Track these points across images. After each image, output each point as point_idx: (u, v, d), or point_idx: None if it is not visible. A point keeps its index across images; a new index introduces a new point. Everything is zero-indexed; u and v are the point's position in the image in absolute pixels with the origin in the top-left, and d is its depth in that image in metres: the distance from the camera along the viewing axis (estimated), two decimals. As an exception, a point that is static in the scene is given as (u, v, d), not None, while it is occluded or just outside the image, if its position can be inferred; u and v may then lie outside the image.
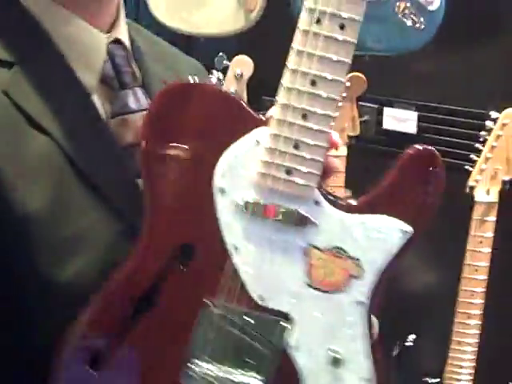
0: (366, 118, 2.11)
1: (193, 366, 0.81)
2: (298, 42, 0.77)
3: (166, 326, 0.82)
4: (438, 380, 1.84)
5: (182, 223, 0.82)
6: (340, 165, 1.84)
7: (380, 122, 2.11)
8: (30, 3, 0.86)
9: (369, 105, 2.10)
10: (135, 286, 0.81)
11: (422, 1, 1.67)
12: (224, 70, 1.92)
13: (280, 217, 0.79)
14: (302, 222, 0.79)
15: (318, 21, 0.76)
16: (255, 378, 0.81)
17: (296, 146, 0.77)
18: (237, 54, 1.92)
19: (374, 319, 0.85)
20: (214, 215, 0.80)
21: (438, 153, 0.83)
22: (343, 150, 1.86)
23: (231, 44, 2.10)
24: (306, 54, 0.77)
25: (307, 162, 0.78)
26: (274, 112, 0.78)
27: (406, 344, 1.87)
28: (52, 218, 0.80)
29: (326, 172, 0.84)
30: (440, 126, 2.04)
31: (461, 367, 1.78)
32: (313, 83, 0.76)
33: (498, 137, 1.60)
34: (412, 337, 1.87)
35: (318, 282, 0.81)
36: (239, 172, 0.79)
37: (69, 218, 0.82)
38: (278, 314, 0.81)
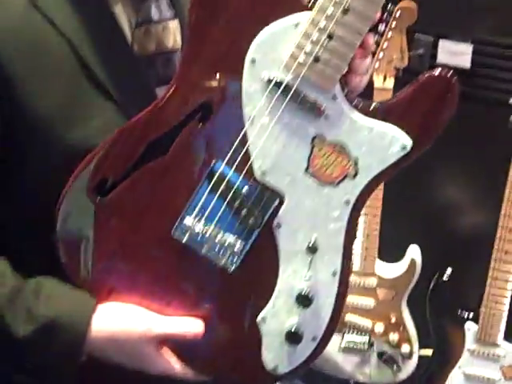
0: (420, 51, 2.09)
1: (185, 222, 0.87)
2: None
3: (169, 178, 0.87)
4: (473, 313, 1.86)
5: (210, 81, 0.86)
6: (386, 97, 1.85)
7: (434, 56, 2.07)
8: None
9: (424, 37, 2.07)
10: (153, 127, 0.86)
11: None
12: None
13: (298, 101, 0.83)
14: (315, 111, 0.84)
15: None
16: (238, 243, 0.87)
17: (330, 37, 0.81)
18: None
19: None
20: (239, 82, 0.84)
21: (456, 80, 0.85)
22: (390, 82, 1.86)
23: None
24: None
25: (336, 54, 0.82)
26: (318, 2, 0.81)
27: (443, 277, 1.88)
28: (63, 117, 0.86)
29: (353, 73, 0.90)
30: (496, 60, 1.99)
31: (496, 302, 1.79)
32: None
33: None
34: (449, 270, 1.88)
35: (316, 170, 0.86)
36: (273, 49, 0.83)
37: (79, 118, 0.87)
38: (273, 190, 0.86)
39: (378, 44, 1.85)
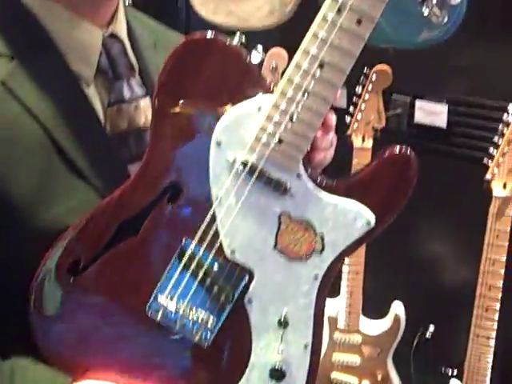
0: (398, 111, 2.14)
1: (159, 300, 0.89)
2: (315, 26, 0.83)
3: (141, 257, 0.90)
4: (457, 371, 1.87)
5: (177, 164, 0.89)
6: (365, 157, 1.89)
7: (412, 116, 2.12)
8: (31, 2, 0.93)
9: (401, 97, 2.13)
10: (123, 210, 0.89)
11: (444, -5, 1.68)
12: (260, 63, 1.98)
13: (263, 181, 0.86)
14: (281, 189, 0.87)
15: (339, 10, 0.82)
16: (211, 319, 0.89)
17: (291, 119, 0.85)
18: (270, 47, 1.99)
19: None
20: (206, 164, 0.87)
21: (414, 158, 0.88)
22: (369, 143, 1.90)
23: (263, 37, 2.15)
24: (320, 38, 0.83)
25: (297, 135, 0.85)
26: (280, 84, 0.85)
27: (426, 335, 1.89)
28: (37, 199, 0.88)
29: (316, 150, 0.94)
30: (470, 120, 2.04)
31: (480, 359, 1.80)
32: (320, 66, 0.83)
33: (515, 131, 1.61)
34: (432, 328, 1.89)
35: (284, 246, 0.89)
36: (238, 131, 0.87)
37: (53, 201, 0.89)
38: (243, 267, 0.89)
39: (355, 105, 1.91)
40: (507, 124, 1.63)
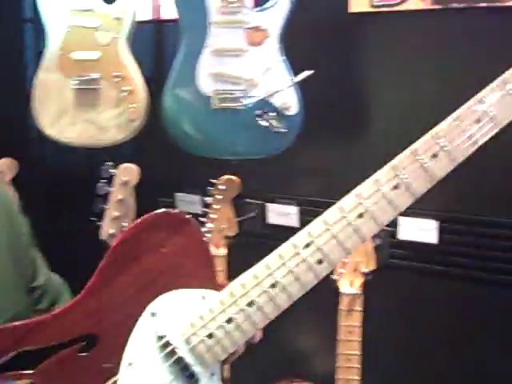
0: (252, 214, 2.21)
1: None
2: (283, 249, 0.92)
3: None
4: None
5: (104, 317, 0.89)
6: (221, 264, 1.92)
7: (265, 218, 2.20)
8: None
9: (253, 202, 2.20)
10: (29, 339, 0.87)
11: (279, 107, 1.78)
12: (110, 178, 2.00)
13: (179, 367, 0.89)
14: (191, 381, 0.89)
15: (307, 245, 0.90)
16: None
17: (229, 320, 0.89)
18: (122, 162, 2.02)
19: None
20: (130, 328, 0.89)
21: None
22: (222, 251, 1.94)
23: (116, 152, 2.18)
24: (284, 263, 0.90)
25: (228, 337, 0.89)
26: (232, 284, 0.90)
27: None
28: None
29: (235, 353, 0.97)
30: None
31: None
32: (273, 286, 0.90)
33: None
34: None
35: None
36: (176, 310, 0.89)
37: None
38: None
39: (206, 216, 1.95)
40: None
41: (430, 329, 1.99)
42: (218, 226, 1.93)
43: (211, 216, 1.93)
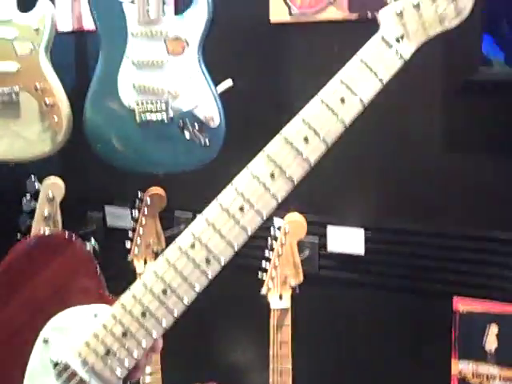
0: (182, 227, 2.17)
1: None
2: (170, 252, 0.91)
3: None
4: None
5: None
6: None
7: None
8: None
9: (183, 214, 2.16)
10: None
11: (202, 119, 1.74)
12: (36, 193, 1.94)
13: None
14: None
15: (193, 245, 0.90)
16: None
17: (125, 334, 0.86)
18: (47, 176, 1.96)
19: None
20: (25, 357, 0.86)
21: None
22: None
23: (41, 166, 2.11)
24: (172, 264, 0.90)
25: (125, 352, 0.87)
26: (123, 297, 0.88)
27: None
28: None
29: (138, 369, 0.94)
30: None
31: None
32: (164, 292, 0.88)
33: (282, 244, 1.67)
34: None
35: None
36: (68, 333, 0.86)
37: None
38: None
39: (134, 230, 1.90)
40: (275, 238, 1.68)
41: (361, 340, 1.98)
42: (146, 241, 1.89)
43: (138, 230, 1.88)
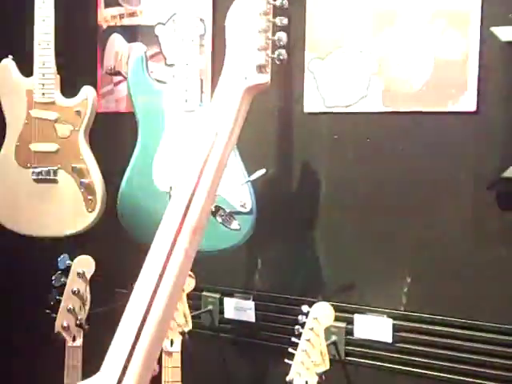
0: (209, 307, 2.20)
1: None
2: None
3: None
4: None
5: None
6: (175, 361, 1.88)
7: (222, 312, 2.20)
8: None
9: (212, 295, 2.19)
10: None
11: (234, 205, 1.79)
12: (67, 270, 1.98)
13: None
14: None
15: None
16: None
17: None
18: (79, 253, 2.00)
19: None
20: None
21: None
22: (177, 346, 1.90)
23: (73, 243, 2.16)
24: None
25: None
26: None
27: None
28: None
29: None
30: (276, 315, 2.12)
31: None
32: None
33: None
34: None
35: None
36: None
37: None
38: None
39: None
40: (302, 324, 1.70)
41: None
42: (174, 321, 1.90)
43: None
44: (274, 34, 1.29)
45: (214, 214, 1.80)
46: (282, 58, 1.28)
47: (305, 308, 1.71)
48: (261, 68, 1.26)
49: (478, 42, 1.77)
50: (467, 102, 1.79)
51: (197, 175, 1.20)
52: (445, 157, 1.85)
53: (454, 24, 1.79)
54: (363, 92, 1.91)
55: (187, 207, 1.19)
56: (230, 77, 1.28)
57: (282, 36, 1.28)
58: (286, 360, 1.70)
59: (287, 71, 2.02)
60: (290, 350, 1.71)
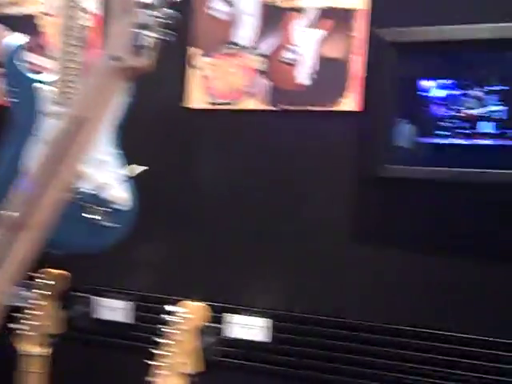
0: (82, 308, 2.12)
1: None
2: None
3: None
4: None
5: None
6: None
7: (93, 313, 2.14)
8: None
9: (85, 295, 2.14)
10: None
11: (110, 201, 1.73)
12: None
13: None
14: None
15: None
16: None
17: None
18: None
19: None
20: None
21: None
22: (47, 350, 1.81)
23: None
24: None
25: None
26: None
27: None
28: None
29: None
30: (155, 316, 2.06)
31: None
32: None
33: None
34: None
35: None
36: None
37: None
38: None
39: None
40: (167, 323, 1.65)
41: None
42: (43, 324, 1.81)
43: (34, 312, 1.81)
44: (159, 11, 1.10)
45: (85, 210, 1.73)
46: (167, 39, 1.13)
47: (169, 307, 1.67)
48: (139, 48, 1.13)
49: (363, 43, 1.80)
50: (352, 101, 1.81)
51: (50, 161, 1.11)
52: (326, 156, 1.87)
53: (341, 24, 1.82)
54: (249, 89, 1.90)
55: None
56: (104, 57, 1.16)
57: (170, 14, 1.11)
58: (148, 361, 1.65)
59: (173, 66, 1.98)
60: (153, 350, 1.65)
